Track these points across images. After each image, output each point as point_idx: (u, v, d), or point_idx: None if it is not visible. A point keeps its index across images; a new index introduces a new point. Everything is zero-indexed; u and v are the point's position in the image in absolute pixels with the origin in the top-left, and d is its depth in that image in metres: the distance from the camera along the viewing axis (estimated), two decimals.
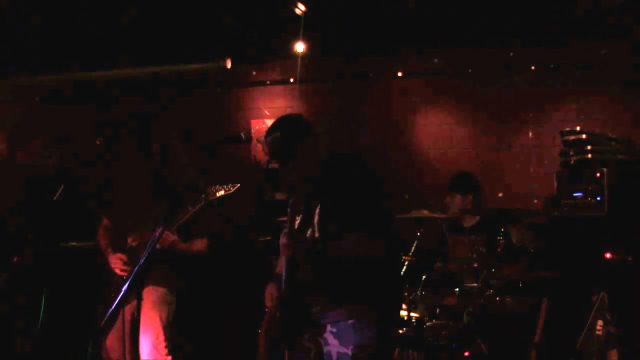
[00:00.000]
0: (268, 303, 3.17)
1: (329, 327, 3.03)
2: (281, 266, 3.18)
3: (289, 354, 3.08)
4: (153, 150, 4.16)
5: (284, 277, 3.02)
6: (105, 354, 3.91)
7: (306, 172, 3.09)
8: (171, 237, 3.77)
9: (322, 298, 3.01)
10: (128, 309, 3.65)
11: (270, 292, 3.16)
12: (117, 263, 3.89)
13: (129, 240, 3.94)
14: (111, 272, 3.94)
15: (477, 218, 5.02)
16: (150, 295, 3.74)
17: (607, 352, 3.80)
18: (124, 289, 2.95)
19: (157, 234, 3.18)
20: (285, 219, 3.09)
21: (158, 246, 3.51)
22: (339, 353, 2.99)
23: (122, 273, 3.87)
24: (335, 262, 2.97)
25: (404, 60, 6.28)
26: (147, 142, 4.26)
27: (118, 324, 3.73)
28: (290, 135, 3.07)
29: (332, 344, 3.02)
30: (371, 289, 3.03)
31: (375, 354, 3.00)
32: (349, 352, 2.97)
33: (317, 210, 3.05)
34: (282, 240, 3.02)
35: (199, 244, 3.98)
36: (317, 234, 3.05)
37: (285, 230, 3.05)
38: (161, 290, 3.88)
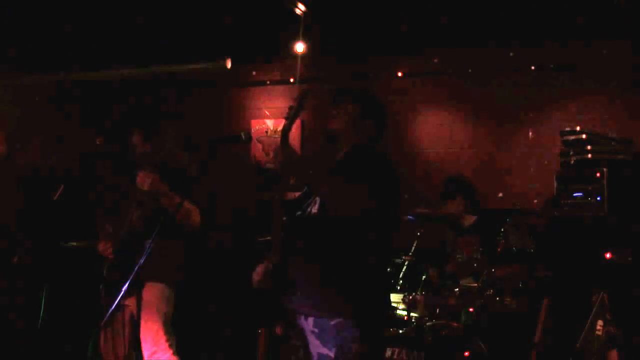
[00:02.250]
0: (255, 276, 3.13)
1: (311, 327, 2.98)
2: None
3: (282, 350, 3.06)
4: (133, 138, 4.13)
5: (273, 245, 2.99)
6: (107, 351, 3.91)
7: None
8: (150, 175, 3.73)
9: (312, 282, 2.97)
10: (127, 306, 3.65)
11: (257, 273, 3.13)
12: (101, 248, 3.92)
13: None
14: (110, 269, 3.94)
15: (475, 217, 5.04)
16: (148, 291, 3.71)
17: (607, 352, 3.80)
18: (124, 288, 2.96)
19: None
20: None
21: (144, 187, 3.58)
22: (319, 354, 2.93)
23: (111, 255, 3.89)
24: (328, 231, 2.95)
25: (404, 60, 6.28)
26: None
27: (118, 320, 3.74)
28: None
29: (313, 344, 2.96)
30: (357, 289, 2.97)
31: (358, 356, 2.91)
32: (332, 354, 2.90)
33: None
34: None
35: (192, 208, 3.94)
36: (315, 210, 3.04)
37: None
38: (159, 285, 3.86)
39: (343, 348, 2.90)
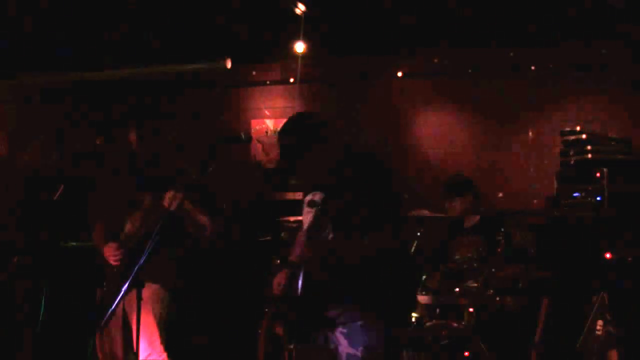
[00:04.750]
0: (276, 290, 3.16)
1: (340, 328, 3.04)
2: (295, 256, 3.19)
3: (297, 351, 3.08)
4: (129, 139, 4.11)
5: (300, 280, 3.02)
6: (103, 352, 3.91)
7: (319, 174, 3.10)
8: (178, 196, 3.67)
9: (337, 299, 3.02)
10: (124, 305, 3.65)
11: (279, 280, 3.15)
12: (109, 252, 3.89)
13: (123, 232, 3.94)
14: (109, 269, 3.93)
15: (478, 217, 5.03)
16: (144, 292, 3.72)
17: (607, 352, 3.80)
18: (124, 289, 2.96)
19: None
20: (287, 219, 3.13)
21: (171, 208, 3.53)
22: (348, 354, 3.00)
23: (116, 263, 3.86)
24: (350, 262, 2.98)
25: (404, 60, 6.28)
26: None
27: (114, 321, 3.73)
28: (307, 137, 3.09)
29: (342, 344, 3.03)
30: (381, 291, 3.03)
31: (383, 355, 3.01)
32: (359, 353, 2.97)
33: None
34: (300, 237, 3.05)
35: (202, 218, 3.95)
36: (331, 235, 3.05)
37: (303, 230, 3.08)
38: (154, 286, 3.82)
39: (369, 348, 2.98)
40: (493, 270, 4.43)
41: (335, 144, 3.14)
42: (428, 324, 4.41)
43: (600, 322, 3.80)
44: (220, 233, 4.07)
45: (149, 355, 3.82)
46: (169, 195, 3.63)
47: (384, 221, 2.97)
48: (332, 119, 6.28)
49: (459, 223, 5.09)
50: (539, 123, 5.87)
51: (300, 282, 3.00)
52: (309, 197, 3.18)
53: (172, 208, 3.60)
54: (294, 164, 3.16)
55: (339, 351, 3.04)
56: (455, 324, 4.38)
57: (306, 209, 3.19)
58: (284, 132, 3.17)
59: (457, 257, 4.89)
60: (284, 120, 3.15)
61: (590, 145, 4.82)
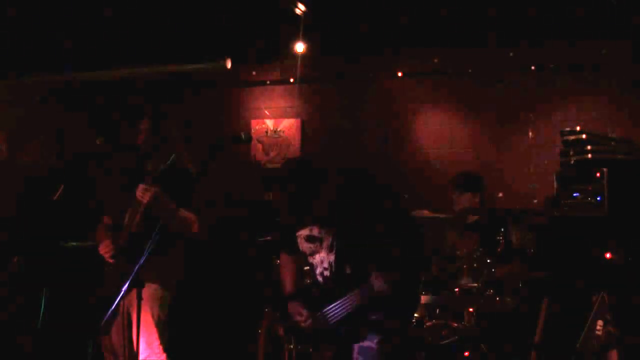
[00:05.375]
0: (298, 318, 3.23)
1: None
2: (290, 286, 3.34)
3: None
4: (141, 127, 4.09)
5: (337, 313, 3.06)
6: (109, 348, 3.91)
7: (327, 210, 3.19)
8: (150, 189, 3.68)
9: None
10: (125, 304, 3.66)
11: (298, 311, 3.23)
12: (103, 250, 3.89)
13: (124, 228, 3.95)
14: (107, 268, 3.93)
15: (477, 215, 5.05)
16: (143, 292, 3.72)
17: (607, 352, 3.80)
18: (124, 289, 2.96)
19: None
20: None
21: (143, 200, 3.56)
22: (361, 347, 3.08)
23: (111, 260, 3.87)
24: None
25: (404, 60, 6.28)
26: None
27: (119, 318, 3.74)
28: (308, 187, 3.19)
29: None
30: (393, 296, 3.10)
31: (398, 348, 3.12)
32: (374, 345, 3.07)
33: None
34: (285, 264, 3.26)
35: (188, 214, 3.91)
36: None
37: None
38: (153, 286, 3.83)
39: (384, 341, 3.09)
40: (493, 270, 4.43)
41: (333, 180, 3.23)
42: (428, 324, 4.42)
43: (600, 322, 3.80)
44: (211, 230, 4.07)
45: (148, 356, 3.82)
46: (140, 187, 3.64)
47: (397, 226, 3.05)
48: (331, 119, 6.33)
49: (461, 221, 5.11)
50: (539, 123, 5.87)
51: (337, 308, 3.06)
52: (304, 232, 3.30)
53: (145, 201, 3.63)
54: (302, 215, 3.28)
55: (353, 346, 3.13)
56: (455, 324, 4.39)
57: (305, 245, 3.32)
58: (284, 181, 3.28)
59: (457, 252, 4.90)
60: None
61: (590, 145, 4.81)
